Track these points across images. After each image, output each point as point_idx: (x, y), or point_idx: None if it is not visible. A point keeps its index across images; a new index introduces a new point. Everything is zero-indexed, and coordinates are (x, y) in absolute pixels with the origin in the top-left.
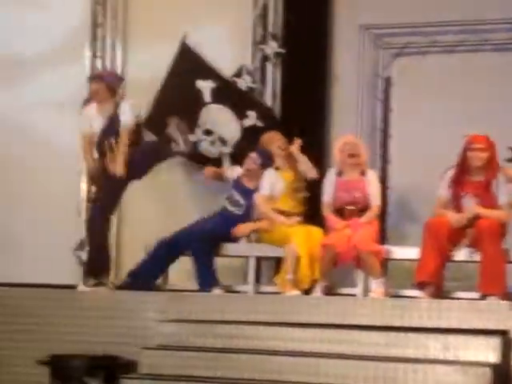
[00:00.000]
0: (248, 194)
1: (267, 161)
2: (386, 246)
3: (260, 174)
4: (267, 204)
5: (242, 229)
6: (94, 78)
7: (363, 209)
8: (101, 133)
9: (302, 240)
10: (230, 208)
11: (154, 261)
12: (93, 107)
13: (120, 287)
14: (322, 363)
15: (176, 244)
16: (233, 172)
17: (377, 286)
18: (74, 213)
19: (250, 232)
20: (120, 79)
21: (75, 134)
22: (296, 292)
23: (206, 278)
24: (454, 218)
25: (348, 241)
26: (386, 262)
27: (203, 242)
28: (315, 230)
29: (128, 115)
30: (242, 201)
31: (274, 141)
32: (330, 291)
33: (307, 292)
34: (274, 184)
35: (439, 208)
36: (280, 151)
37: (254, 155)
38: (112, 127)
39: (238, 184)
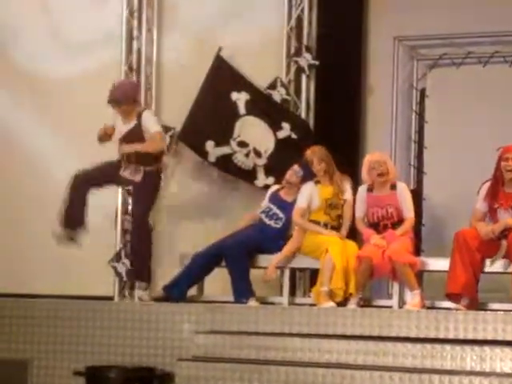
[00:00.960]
0: (286, 207)
1: (308, 174)
2: (421, 258)
3: (299, 187)
4: (303, 216)
5: (270, 271)
6: (111, 103)
7: (398, 222)
8: (121, 140)
9: (338, 251)
10: (268, 222)
11: (190, 273)
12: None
13: (156, 299)
14: (356, 375)
15: (211, 256)
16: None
17: (412, 298)
18: (110, 224)
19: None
20: (135, 87)
21: (111, 147)
22: (331, 304)
23: (242, 290)
24: (483, 230)
25: (383, 253)
26: (421, 274)
27: (238, 254)
28: (350, 244)
29: (154, 122)
30: (280, 214)
31: (317, 155)
32: (365, 303)
33: (342, 304)
34: (311, 197)
35: (475, 221)
36: (322, 166)
37: (296, 168)
38: (133, 137)
39: (275, 197)
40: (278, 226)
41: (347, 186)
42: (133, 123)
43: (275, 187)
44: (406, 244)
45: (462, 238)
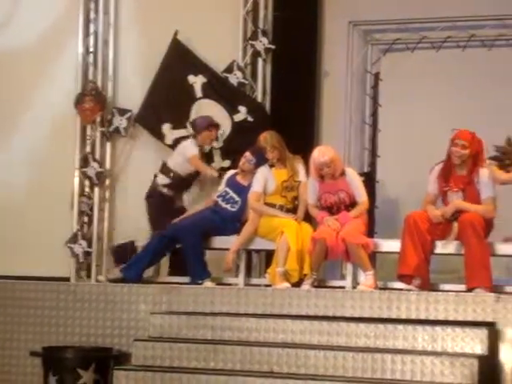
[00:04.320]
0: (243, 191)
1: (261, 160)
2: (374, 239)
3: (254, 172)
4: (258, 200)
5: (229, 260)
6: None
7: (351, 204)
8: None
9: (293, 233)
10: (225, 205)
11: (146, 255)
12: None
13: (112, 281)
14: (311, 354)
15: (167, 238)
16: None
17: (366, 279)
18: (67, 206)
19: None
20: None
21: (67, 130)
22: (286, 284)
23: (198, 271)
24: (432, 213)
25: (337, 234)
26: (374, 255)
27: (193, 236)
28: (305, 226)
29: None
30: (237, 198)
31: (269, 143)
32: (319, 284)
33: (297, 285)
34: (266, 181)
35: (427, 203)
36: (275, 154)
37: (248, 156)
38: None
39: (232, 182)
40: (234, 209)
41: (300, 168)
42: None
43: (232, 172)
44: (359, 226)
45: (412, 221)
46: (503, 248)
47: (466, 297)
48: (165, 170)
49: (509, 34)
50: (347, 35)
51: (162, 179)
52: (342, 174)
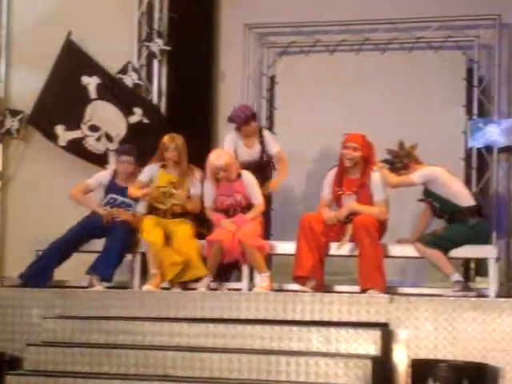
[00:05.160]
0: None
1: (137, 157)
2: (270, 241)
3: (134, 173)
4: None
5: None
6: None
7: (247, 206)
8: None
9: (149, 232)
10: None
11: (46, 260)
12: None
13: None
14: (206, 357)
15: (66, 243)
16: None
17: (261, 281)
18: None
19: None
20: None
21: None
22: (148, 287)
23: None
24: (327, 214)
25: (233, 236)
26: (270, 257)
27: (85, 240)
28: (183, 226)
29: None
30: (130, 201)
31: (174, 143)
32: (215, 285)
33: (186, 287)
34: (152, 177)
35: (321, 207)
36: (173, 155)
37: (128, 158)
38: None
39: (113, 187)
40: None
41: (196, 180)
42: None
43: (106, 178)
44: (255, 228)
45: (307, 223)
46: (397, 250)
47: (359, 298)
48: None
49: (401, 37)
50: (243, 37)
51: None
52: (239, 176)
